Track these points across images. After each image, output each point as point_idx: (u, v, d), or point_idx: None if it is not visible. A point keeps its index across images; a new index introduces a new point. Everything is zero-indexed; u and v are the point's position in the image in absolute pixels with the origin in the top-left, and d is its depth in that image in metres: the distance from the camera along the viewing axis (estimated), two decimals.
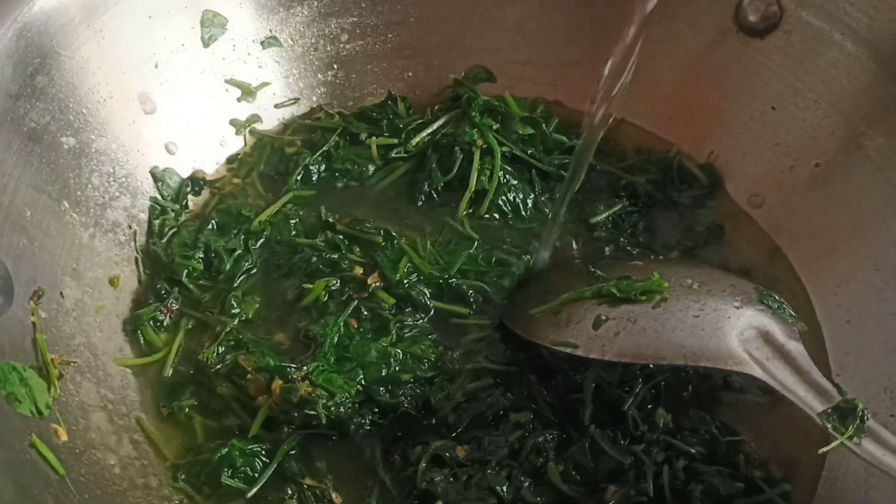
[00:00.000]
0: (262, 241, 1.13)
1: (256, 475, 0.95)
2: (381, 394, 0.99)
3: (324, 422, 0.95)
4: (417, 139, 1.21)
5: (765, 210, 1.18)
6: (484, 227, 1.16)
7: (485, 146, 1.18)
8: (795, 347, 0.92)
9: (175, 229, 1.12)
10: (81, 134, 1.03)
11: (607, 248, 1.16)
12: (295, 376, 0.96)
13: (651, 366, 0.99)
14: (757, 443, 0.99)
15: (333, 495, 0.95)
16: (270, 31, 1.23)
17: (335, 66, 1.28)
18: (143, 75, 1.10)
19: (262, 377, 0.98)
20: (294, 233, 1.14)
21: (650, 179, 1.21)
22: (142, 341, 1.04)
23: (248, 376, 0.99)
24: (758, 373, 0.90)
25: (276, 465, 0.95)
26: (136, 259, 1.09)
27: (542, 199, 1.20)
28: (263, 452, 0.96)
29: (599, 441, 0.95)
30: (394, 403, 0.99)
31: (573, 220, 1.18)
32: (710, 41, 1.19)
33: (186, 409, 1.00)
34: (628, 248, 1.16)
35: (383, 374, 1.00)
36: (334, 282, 1.08)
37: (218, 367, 1.01)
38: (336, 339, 1.01)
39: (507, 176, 1.18)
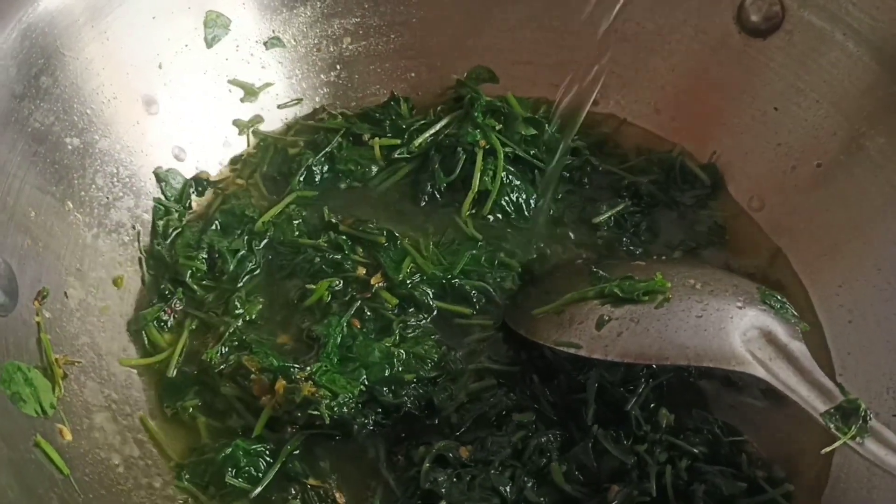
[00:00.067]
0: (265, 241, 1.14)
1: (260, 475, 0.95)
2: (384, 394, 0.99)
3: (327, 422, 0.95)
4: (420, 140, 1.21)
5: (766, 210, 1.18)
6: (487, 228, 1.16)
7: (487, 147, 1.18)
8: (798, 347, 0.93)
9: (179, 230, 1.12)
10: (85, 134, 1.03)
11: (610, 249, 1.16)
12: (298, 376, 0.97)
13: (654, 366, 0.99)
14: (759, 443, 0.99)
15: (337, 495, 0.95)
16: (273, 31, 1.23)
17: (338, 67, 1.28)
18: (147, 76, 1.11)
19: (266, 377, 0.98)
20: (297, 233, 1.14)
21: (652, 180, 1.21)
22: (146, 341, 1.04)
23: (252, 376, 0.99)
24: (760, 373, 0.90)
25: (279, 465, 0.95)
26: (140, 259, 1.09)
27: (546, 198, 1.20)
28: (267, 452, 0.96)
29: (602, 441, 0.95)
30: (397, 403, 0.99)
31: (576, 220, 1.19)
32: (712, 42, 1.19)
33: (190, 409, 1.00)
34: (631, 248, 1.16)
35: (386, 374, 1.00)
36: (337, 282, 1.08)
37: (221, 367, 1.01)
38: (339, 339, 1.02)
39: (510, 176, 1.18)
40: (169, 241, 1.11)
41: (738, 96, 1.19)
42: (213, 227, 1.13)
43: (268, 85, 1.24)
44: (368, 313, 1.06)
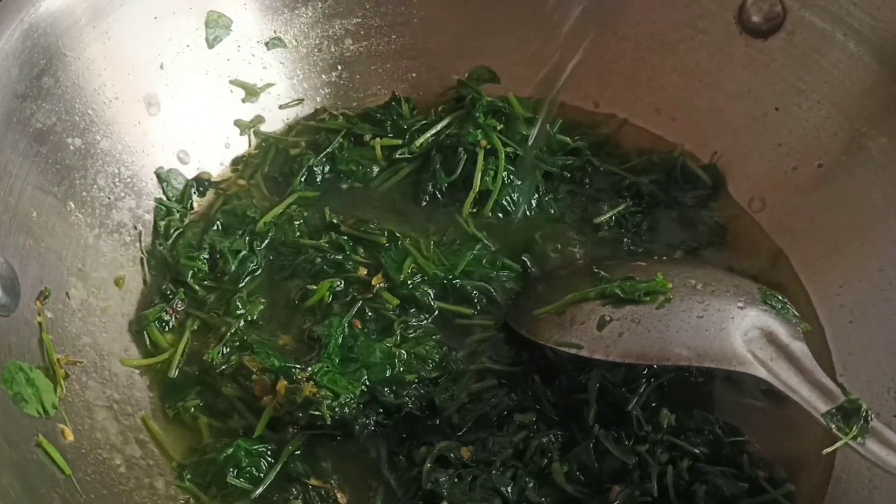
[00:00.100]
0: (266, 242, 1.14)
1: (262, 475, 0.95)
2: (385, 394, 0.99)
3: (328, 422, 0.95)
4: (421, 140, 1.21)
5: (767, 210, 1.18)
6: (488, 227, 1.16)
7: (489, 147, 1.18)
8: (799, 348, 0.93)
9: (180, 230, 1.12)
10: (87, 135, 1.03)
11: (611, 249, 1.16)
12: (300, 377, 0.97)
13: (655, 366, 0.99)
14: (761, 443, 0.99)
15: (338, 495, 0.95)
16: (275, 32, 1.23)
17: (339, 67, 1.28)
18: (149, 76, 1.11)
19: (267, 378, 0.98)
20: (298, 234, 1.14)
21: (654, 180, 1.21)
22: (147, 342, 1.04)
23: (254, 377, 0.99)
24: (762, 373, 0.90)
25: (281, 466, 0.95)
26: (142, 260, 1.09)
27: (547, 198, 1.20)
28: (268, 453, 0.96)
29: (604, 441, 0.95)
30: (398, 404, 0.99)
31: (577, 220, 1.19)
32: (713, 42, 1.20)
33: (192, 410, 1.00)
34: (632, 248, 1.16)
35: (387, 374, 1.00)
36: (338, 283, 1.08)
37: (223, 367, 1.01)
38: (340, 339, 1.02)
39: (511, 176, 1.18)
40: (170, 241, 1.11)
41: (739, 97, 1.19)
42: (215, 227, 1.13)
43: (269, 85, 1.24)
44: (370, 314, 1.06)
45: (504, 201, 1.17)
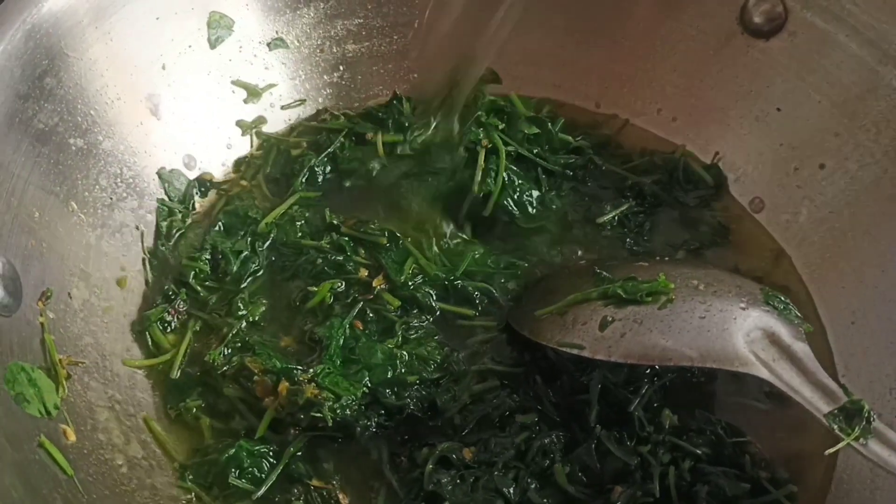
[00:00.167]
0: (268, 243, 1.13)
1: (263, 476, 0.95)
2: (387, 396, 0.99)
3: (330, 424, 0.95)
4: (423, 138, 1.20)
5: (769, 211, 1.18)
6: (490, 227, 1.16)
7: (490, 146, 1.17)
8: (801, 348, 0.92)
9: (182, 231, 1.13)
10: (89, 135, 1.03)
11: (614, 249, 1.16)
12: (301, 378, 0.97)
13: (657, 367, 0.99)
14: (763, 444, 0.99)
15: (340, 496, 0.95)
16: (277, 32, 1.23)
17: (341, 68, 1.28)
18: (151, 77, 1.11)
19: (269, 379, 0.98)
20: (300, 234, 1.14)
21: (656, 180, 1.21)
22: (149, 342, 1.04)
23: (255, 378, 0.99)
24: (764, 374, 0.90)
25: (282, 467, 0.95)
26: (144, 260, 1.09)
27: (549, 196, 1.20)
28: (270, 454, 0.96)
29: (605, 442, 0.95)
30: (400, 405, 0.99)
31: (580, 220, 1.19)
32: (716, 42, 1.20)
33: (194, 410, 1.00)
34: (635, 248, 1.16)
35: (389, 376, 1.00)
36: (339, 284, 1.08)
37: (225, 368, 1.01)
38: (342, 341, 1.01)
39: (513, 176, 1.17)
40: (172, 242, 1.11)
41: (741, 97, 1.19)
42: (217, 228, 1.13)
43: (271, 86, 1.24)
44: (371, 315, 1.05)
45: (505, 201, 1.17)
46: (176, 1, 1.11)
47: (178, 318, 1.06)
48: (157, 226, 1.12)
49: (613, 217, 1.18)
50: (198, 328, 1.06)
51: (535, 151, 1.21)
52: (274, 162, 1.21)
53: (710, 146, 1.23)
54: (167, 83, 1.13)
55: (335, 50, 1.27)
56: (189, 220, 1.14)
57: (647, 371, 1.00)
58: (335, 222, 1.14)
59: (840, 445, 0.86)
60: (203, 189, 1.17)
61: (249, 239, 1.13)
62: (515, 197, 1.17)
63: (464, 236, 1.15)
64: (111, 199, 1.06)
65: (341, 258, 1.10)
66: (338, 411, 0.96)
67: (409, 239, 1.12)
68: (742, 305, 0.95)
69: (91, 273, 1.01)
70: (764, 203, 1.18)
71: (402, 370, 1.01)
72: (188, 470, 0.96)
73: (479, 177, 1.15)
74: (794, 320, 0.96)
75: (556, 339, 0.99)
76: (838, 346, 1.06)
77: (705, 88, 1.22)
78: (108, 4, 1.03)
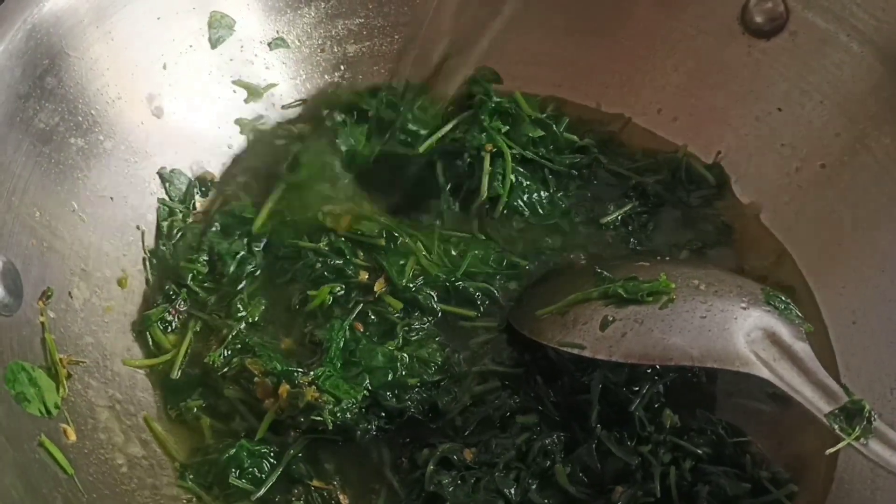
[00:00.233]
0: (264, 243, 1.13)
1: (264, 476, 0.95)
2: (387, 398, 0.99)
3: (330, 428, 0.95)
4: (426, 145, 1.18)
5: (771, 211, 1.18)
6: (496, 228, 1.15)
7: (494, 150, 1.16)
8: (802, 348, 0.92)
9: (182, 231, 1.12)
10: (90, 135, 1.03)
11: (616, 249, 1.16)
12: (301, 381, 0.96)
13: (658, 367, 0.99)
14: (763, 444, 0.99)
15: (341, 497, 0.95)
16: (278, 32, 1.23)
17: (342, 68, 1.28)
18: (152, 76, 1.10)
19: (269, 380, 0.98)
20: (294, 234, 1.12)
21: (659, 180, 1.21)
22: (150, 342, 1.04)
23: (256, 380, 0.99)
24: (765, 374, 0.90)
25: (283, 467, 0.95)
26: (144, 260, 1.09)
27: (558, 195, 1.19)
28: (271, 454, 0.96)
29: (606, 442, 0.95)
30: (400, 408, 0.99)
31: (583, 220, 1.18)
32: (717, 42, 1.19)
33: (194, 411, 1.00)
34: (638, 247, 1.16)
35: (390, 378, 1.00)
36: (339, 288, 1.07)
37: (225, 370, 1.01)
38: (342, 343, 1.01)
39: (520, 178, 1.17)
40: (173, 241, 1.11)
41: (742, 97, 1.19)
42: (214, 228, 1.13)
43: (272, 86, 1.24)
44: (371, 317, 1.05)
45: (515, 203, 1.16)
46: (177, 1, 1.11)
47: (178, 317, 1.06)
48: (158, 226, 1.11)
49: (617, 217, 1.18)
50: (198, 329, 1.06)
51: (540, 153, 1.20)
52: (259, 155, 1.19)
53: (711, 146, 1.23)
54: (168, 83, 1.12)
55: (336, 50, 1.27)
56: (190, 220, 1.14)
57: (648, 371, 1.00)
58: (328, 226, 1.11)
59: (841, 445, 0.86)
60: (204, 189, 1.17)
61: (245, 239, 1.12)
62: (524, 198, 1.17)
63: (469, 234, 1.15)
64: (112, 198, 1.06)
65: (340, 262, 1.08)
66: (338, 415, 0.95)
67: (409, 239, 1.10)
68: (743, 305, 0.95)
69: (92, 272, 1.01)
70: (765, 203, 1.18)
71: (403, 373, 1.00)
72: (188, 470, 0.96)
73: (486, 181, 1.14)
74: (795, 320, 0.96)
75: (556, 339, 0.99)
76: (839, 345, 1.06)
77: (706, 88, 1.22)
78: (109, 4, 1.02)
